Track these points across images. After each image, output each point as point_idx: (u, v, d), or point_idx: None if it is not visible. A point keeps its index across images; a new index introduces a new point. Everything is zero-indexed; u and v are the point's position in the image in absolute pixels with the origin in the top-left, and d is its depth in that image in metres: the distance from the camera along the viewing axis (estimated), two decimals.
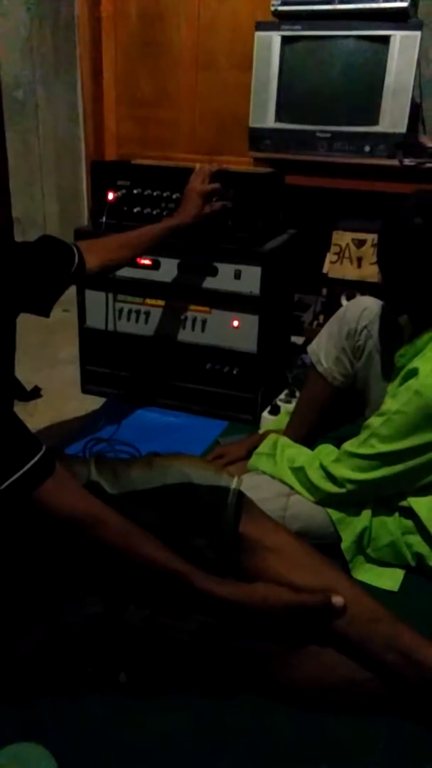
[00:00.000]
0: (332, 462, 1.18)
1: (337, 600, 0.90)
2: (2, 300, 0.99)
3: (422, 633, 0.91)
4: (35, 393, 1.91)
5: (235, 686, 0.93)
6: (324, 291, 2.10)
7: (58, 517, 0.88)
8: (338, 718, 0.91)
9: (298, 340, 2.12)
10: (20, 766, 0.83)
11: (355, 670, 0.90)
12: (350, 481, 1.16)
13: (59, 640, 0.90)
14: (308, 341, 1.57)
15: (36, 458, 0.86)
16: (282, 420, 1.54)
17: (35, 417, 1.77)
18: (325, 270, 2.04)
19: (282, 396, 1.73)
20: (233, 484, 0.99)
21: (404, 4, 1.72)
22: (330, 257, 2.02)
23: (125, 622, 0.90)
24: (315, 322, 2.20)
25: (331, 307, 2.01)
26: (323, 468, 1.18)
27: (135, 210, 1.71)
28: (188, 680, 0.93)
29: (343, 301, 2.00)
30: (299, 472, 1.22)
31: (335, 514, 1.19)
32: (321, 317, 2.16)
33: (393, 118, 1.80)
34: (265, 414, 1.68)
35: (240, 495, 1.00)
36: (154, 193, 1.69)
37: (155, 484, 0.99)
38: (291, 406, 1.56)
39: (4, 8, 2.44)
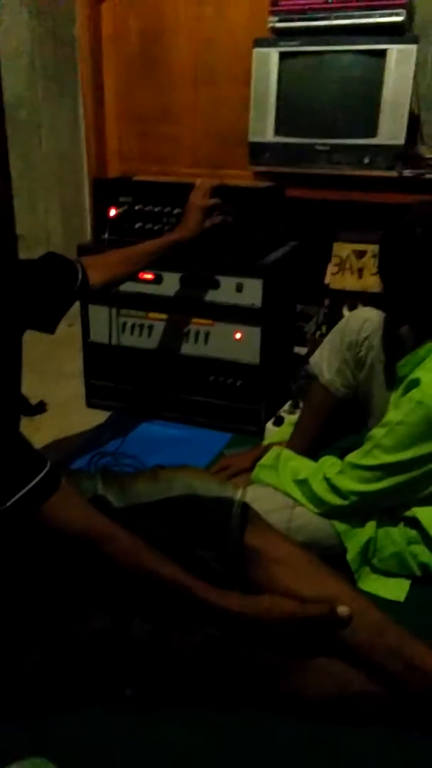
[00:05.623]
0: (336, 474, 1.18)
1: (343, 610, 0.90)
2: (8, 318, 1.00)
3: (428, 643, 0.91)
4: (41, 407, 1.92)
5: (241, 699, 0.93)
6: (326, 302, 2.11)
7: (64, 533, 0.89)
8: (344, 729, 0.91)
9: (301, 350, 2.12)
10: None
11: (361, 680, 0.90)
12: (354, 492, 1.16)
13: (65, 654, 0.91)
14: (311, 352, 1.58)
15: (41, 475, 0.87)
16: (286, 431, 1.54)
17: (41, 431, 1.78)
18: (326, 281, 2.05)
19: (286, 407, 1.74)
20: (238, 496, 1.00)
21: (400, 19, 1.74)
22: (331, 268, 2.03)
23: (131, 635, 0.90)
24: (318, 333, 2.21)
25: (333, 318, 2.02)
26: (327, 480, 1.19)
27: (137, 225, 1.72)
28: (194, 693, 0.93)
29: (345, 312, 2.01)
30: (303, 484, 1.22)
31: (340, 526, 1.19)
32: (323, 327, 2.17)
33: (391, 130, 1.82)
34: (269, 425, 1.69)
35: (245, 506, 1.00)
36: (156, 209, 1.71)
37: (161, 497, 1.00)
38: (295, 417, 1.57)
39: (5, 28, 2.47)
